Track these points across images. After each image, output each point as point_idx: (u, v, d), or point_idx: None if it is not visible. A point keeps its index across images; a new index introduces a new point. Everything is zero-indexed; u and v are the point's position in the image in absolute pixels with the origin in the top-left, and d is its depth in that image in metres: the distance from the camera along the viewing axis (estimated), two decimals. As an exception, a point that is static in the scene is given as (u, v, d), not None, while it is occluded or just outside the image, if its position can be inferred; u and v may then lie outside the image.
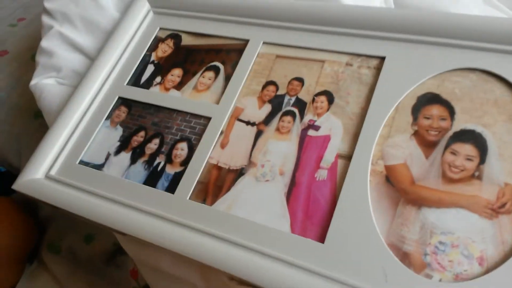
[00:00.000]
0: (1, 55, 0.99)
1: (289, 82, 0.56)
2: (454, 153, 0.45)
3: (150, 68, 0.66)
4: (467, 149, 0.45)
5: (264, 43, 0.61)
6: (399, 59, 0.52)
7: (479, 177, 0.43)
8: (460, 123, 0.47)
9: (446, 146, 0.46)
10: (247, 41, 0.62)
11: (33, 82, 0.71)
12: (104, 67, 0.66)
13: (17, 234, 0.83)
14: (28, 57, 0.96)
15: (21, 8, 1.12)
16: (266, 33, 0.61)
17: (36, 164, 0.59)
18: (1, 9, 1.14)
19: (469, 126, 0.46)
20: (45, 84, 0.70)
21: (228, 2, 0.64)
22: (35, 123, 0.89)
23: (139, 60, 0.67)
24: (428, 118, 0.48)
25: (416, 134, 0.48)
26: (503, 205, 0.41)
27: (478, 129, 0.46)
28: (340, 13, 0.57)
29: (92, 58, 0.71)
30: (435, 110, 0.48)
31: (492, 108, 0.47)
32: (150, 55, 0.67)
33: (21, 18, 1.09)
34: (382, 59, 0.53)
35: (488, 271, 0.39)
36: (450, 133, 0.46)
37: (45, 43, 0.73)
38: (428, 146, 0.47)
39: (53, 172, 0.59)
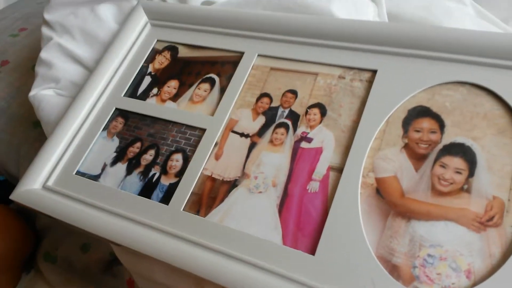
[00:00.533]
0: (2, 65, 1.00)
1: (283, 94, 0.57)
2: (443, 166, 0.46)
3: (147, 80, 0.67)
4: (456, 162, 0.45)
5: (259, 55, 0.61)
6: (390, 73, 0.53)
7: (468, 190, 0.44)
8: (450, 136, 0.47)
9: (436, 159, 0.46)
10: (242, 53, 0.62)
11: (32, 93, 0.72)
12: (101, 79, 0.67)
13: (13, 241, 0.83)
14: (28, 67, 0.97)
15: (23, 19, 1.13)
16: (261, 45, 0.62)
17: (34, 174, 0.60)
18: (3, 19, 1.15)
19: (459, 139, 0.47)
20: (44, 95, 0.71)
21: (224, 15, 0.65)
22: (34, 132, 0.90)
23: (136, 72, 0.68)
24: (418, 131, 0.49)
25: (406, 147, 0.48)
26: (491, 218, 0.42)
27: (468, 142, 0.46)
28: (334, 26, 0.57)
29: (90, 70, 0.72)
30: (426, 123, 0.49)
31: (482, 122, 0.47)
32: (147, 67, 0.68)
33: (23, 28, 1.10)
34: (374, 72, 0.54)
35: (475, 284, 0.39)
36: (440, 146, 0.47)
37: (44, 54, 0.74)
38: (418, 159, 0.47)
39: (50, 183, 0.60)
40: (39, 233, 0.92)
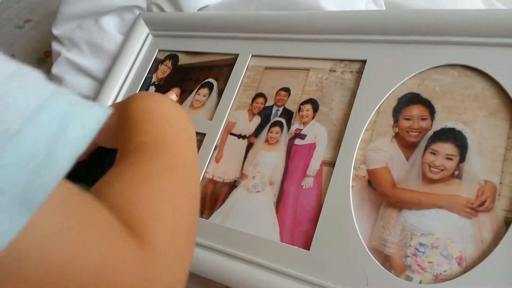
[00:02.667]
0: (9, 59, 1.02)
1: (277, 93, 0.58)
2: (434, 153, 0.45)
3: (151, 90, 0.70)
4: (447, 148, 0.45)
5: (253, 56, 0.62)
6: (379, 61, 0.53)
7: (459, 176, 0.43)
8: (441, 122, 0.47)
9: (426, 147, 0.46)
10: (237, 55, 0.64)
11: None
12: (111, 92, 0.71)
13: None
14: (34, 62, 0.97)
15: (27, 8, 1.10)
16: (254, 46, 0.63)
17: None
18: (8, 8, 1.13)
19: (449, 124, 0.46)
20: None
21: (217, 19, 0.66)
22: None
23: (141, 83, 0.71)
24: (408, 119, 0.48)
25: (397, 136, 0.48)
26: (483, 203, 0.41)
27: (458, 126, 0.46)
28: (321, 20, 0.58)
29: (99, 80, 0.75)
30: (415, 110, 0.48)
31: (473, 104, 0.46)
32: (151, 77, 0.71)
33: (28, 19, 1.07)
34: (364, 62, 0.54)
35: (466, 270, 0.39)
36: (430, 132, 0.46)
37: (55, 69, 0.78)
38: (408, 147, 0.47)
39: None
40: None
